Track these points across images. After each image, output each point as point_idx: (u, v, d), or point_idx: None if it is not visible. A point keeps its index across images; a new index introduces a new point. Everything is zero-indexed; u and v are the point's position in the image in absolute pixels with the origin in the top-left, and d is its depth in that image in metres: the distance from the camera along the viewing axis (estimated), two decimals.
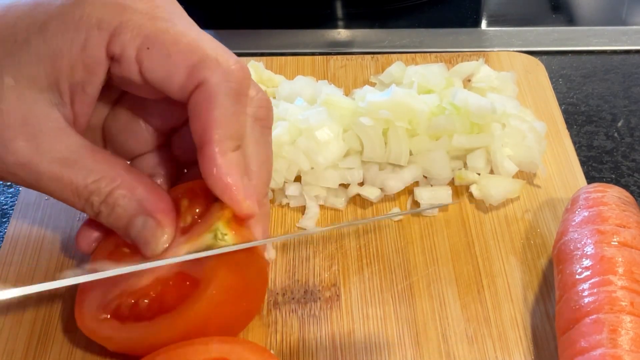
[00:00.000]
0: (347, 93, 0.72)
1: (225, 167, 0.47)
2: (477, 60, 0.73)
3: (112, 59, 0.47)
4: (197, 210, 0.52)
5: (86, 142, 0.49)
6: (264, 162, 0.52)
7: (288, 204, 0.63)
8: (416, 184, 0.64)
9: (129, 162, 0.56)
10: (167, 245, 0.50)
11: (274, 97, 0.71)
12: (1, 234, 0.63)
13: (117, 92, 0.54)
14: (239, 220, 0.50)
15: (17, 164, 0.47)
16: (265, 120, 0.52)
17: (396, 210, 0.62)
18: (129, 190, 0.49)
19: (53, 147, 0.47)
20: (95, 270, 0.48)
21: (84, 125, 0.50)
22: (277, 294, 0.56)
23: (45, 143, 0.47)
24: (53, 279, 0.57)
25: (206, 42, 0.48)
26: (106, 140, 0.55)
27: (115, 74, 0.48)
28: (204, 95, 0.47)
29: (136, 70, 0.47)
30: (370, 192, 0.63)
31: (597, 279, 0.48)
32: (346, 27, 0.89)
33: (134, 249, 0.51)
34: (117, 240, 0.52)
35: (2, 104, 0.46)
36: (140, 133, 0.55)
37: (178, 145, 0.56)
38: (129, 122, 0.54)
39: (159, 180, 0.56)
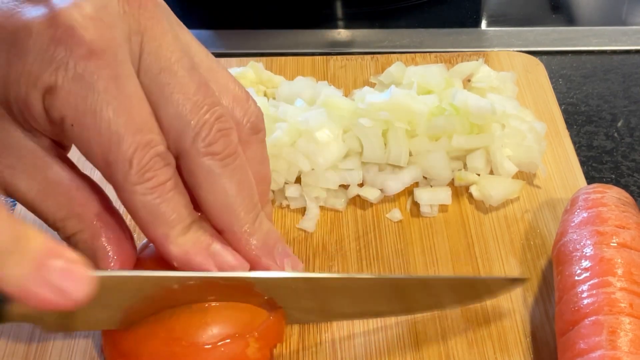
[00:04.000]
0: (347, 93, 0.72)
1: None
2: (477, 60, 0.73)
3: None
4: None
5: (65, 172, 0.47)
6: (262, 167, 0.51)
7: (288, 205, 0.63)
8: (416, 184, 0.64)
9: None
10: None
11: (274, 98, 0.71)
12: None
13: None
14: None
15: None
16: (256, 128, 0.50)
17: (396, 211, 0.62)
18: (91, 237, 0.46)
19: (34, 174, 0.46)
20: None
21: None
22: None
23: (21, 165, 0.46)
24: None
25: (130, 123, 0.44)
26: None
27: None
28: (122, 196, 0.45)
29: (62, 128, 0.45)
30: (370, 193, 0.63)
31: (596, 281, 0.48)
32: (346, 27, 0.89)
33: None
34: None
35: None
36: None
37: None
38: None
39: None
